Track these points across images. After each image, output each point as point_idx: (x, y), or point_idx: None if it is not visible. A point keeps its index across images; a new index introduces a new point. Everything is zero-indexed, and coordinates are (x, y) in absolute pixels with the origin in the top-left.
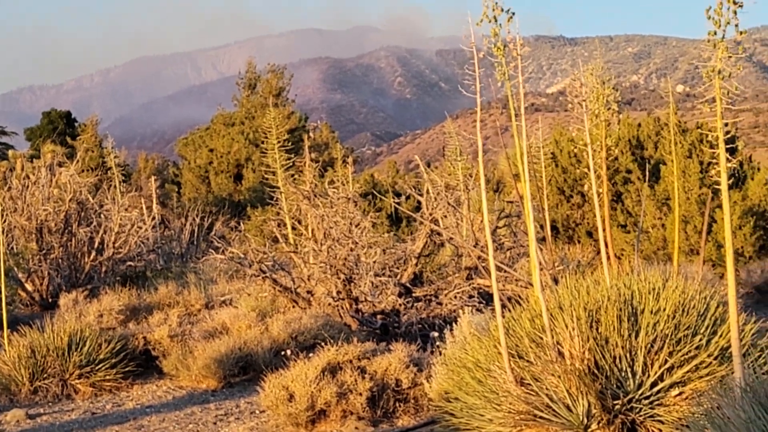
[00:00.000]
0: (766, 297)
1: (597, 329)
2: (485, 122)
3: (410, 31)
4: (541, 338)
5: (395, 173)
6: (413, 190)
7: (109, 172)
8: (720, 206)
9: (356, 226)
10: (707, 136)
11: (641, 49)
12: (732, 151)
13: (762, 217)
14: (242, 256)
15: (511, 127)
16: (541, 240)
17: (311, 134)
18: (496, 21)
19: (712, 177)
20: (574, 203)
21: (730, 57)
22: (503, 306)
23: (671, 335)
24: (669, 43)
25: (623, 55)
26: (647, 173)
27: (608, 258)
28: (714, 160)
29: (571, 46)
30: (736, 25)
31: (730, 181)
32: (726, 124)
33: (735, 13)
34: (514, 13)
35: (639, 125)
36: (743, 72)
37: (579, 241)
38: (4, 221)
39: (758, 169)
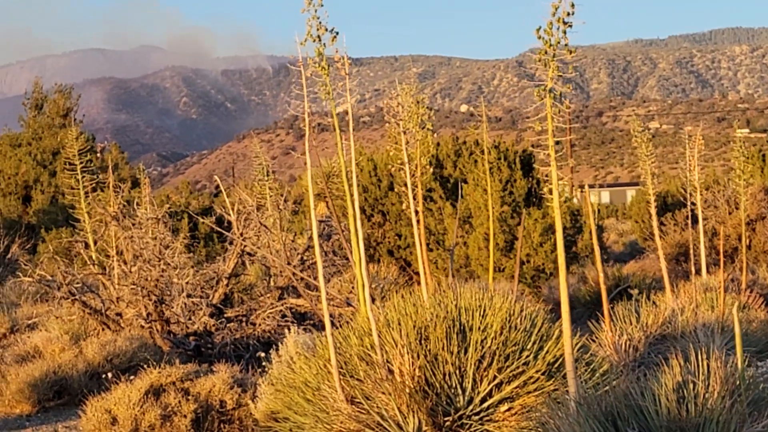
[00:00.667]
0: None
1: (426, 347)
2: (272, 142)
3: (195, 51)
4: (371, 356)
5: (189, 194)
6: (222, 210)
7: None
8: (519, 224)
9: (166, 248)
10: (504, 155)
11: (426, 70)
12: (528, 170)
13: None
14: (50, 278)
15: (298, 148)
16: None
17: (99, 155)
18: (320, 40)
19: (543, 193)
20: (374, 222)
21: (561, 75)
22: (321, 325)
23: (499, 351)
24: (453, 63)
25: (407, 76)
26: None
27: (425, 276)
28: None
29: (357, 65)
30: (566, 45)
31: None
32: (558, 143)
33: (565, 33)
34: (338, 33)
35: (438, 144)
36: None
37: (380, 260)
38: None
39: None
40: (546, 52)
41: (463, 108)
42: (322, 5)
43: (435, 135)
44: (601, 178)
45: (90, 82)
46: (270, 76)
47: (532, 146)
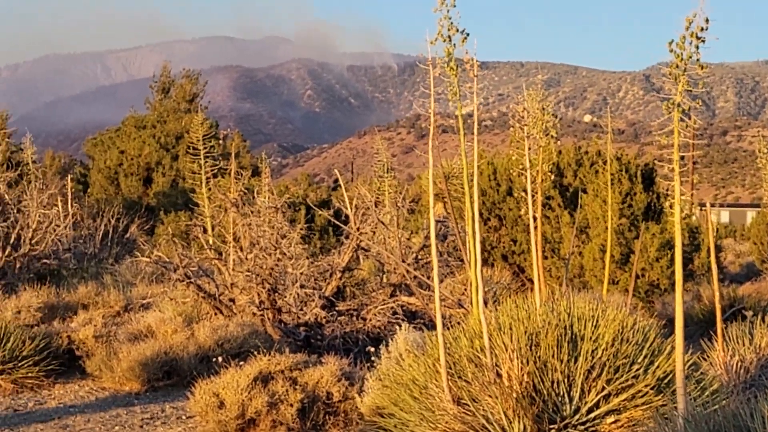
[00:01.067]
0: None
1: (536, 353)
2: (392, 140)
3: (321, 45)
4: (480, 359)
5: (307, 186)
6: (340, 203)
7: (22, 167)
8: (637, 237)
9: (283, 237)
10: (626, 167)
11: (551, 77)
12: (649, 184)
13: None
14: (167, 260)
15: (419, 147)
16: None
17: (222, 142)
18: (450, 40)
19: (667, 208)
20: (491, 226)
21: (690, 91)
22: (431, 325)
23: (610, 363)
24: (579, 72)
25: (533, 82)
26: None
27: (539, 282)
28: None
29: (483, 69)
30: (698, 60)
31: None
32: (682, 158)
33: (697, 48)
34: (468, 34)
35: (560, 153)
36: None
37: (494, 265)
38: None
39: (684, 203)
40: (677, 66)
41: (587, 118)
42: (454, 5)
43: (557, 143)
44: (722, 198)
45: (217, 69)
46: (395, 75)
47: (656, 160)
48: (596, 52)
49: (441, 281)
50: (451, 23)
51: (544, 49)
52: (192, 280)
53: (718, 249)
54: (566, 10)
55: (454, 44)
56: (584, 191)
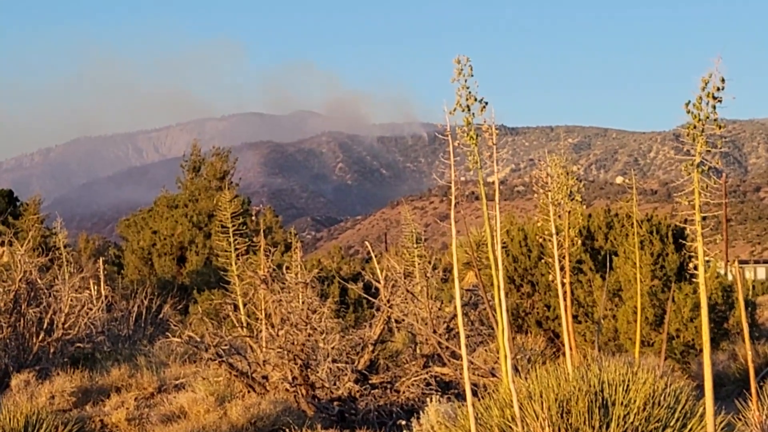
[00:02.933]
0: (718, 389)
1: (568, 420)
2: (425, 209)
3: (351, 116)
4: (512, 428)
5: (340, 259)
6: (371, 276)
7: (54, 252)
8: (670, 298)
9: (314, 312)
10: (657, 228)
11: (581, 140)
12: (682, 244)
13: (713, 310)
14: (198, 339)
15: (452, 209)
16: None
17: (254, 218)
18: (469, 110)
19: (690, 269)
20: (523, 292)
21: (709, 151)
22: (463, 394)
23: (642, 427)
24: (609, 134)
25: (563, 146)
26: (605, 264)
27: (570, 349)
28: (666, 252)
29: (512, 135)
30: (715, 120)
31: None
32: (704, 218)
33: (714, 108)
34: (487, 103)
35: (590, 216)
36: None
37: (528, 331)
38: None
39: (709, 263)
40: (694, 127)
41: (618, 180)
42: (472, 75)
43: (588, 207)
44: (758, 254)
45: (247, 145)
46: (425, 144)
47: (683, 222)
48: (625, 114)
49: (473, 350)
50: (469, 93)
51: (574, 112)
52: (224, 358)
53: (754, 306)
54: (594, 74)
55: (473, 113)
56: (615, 254)
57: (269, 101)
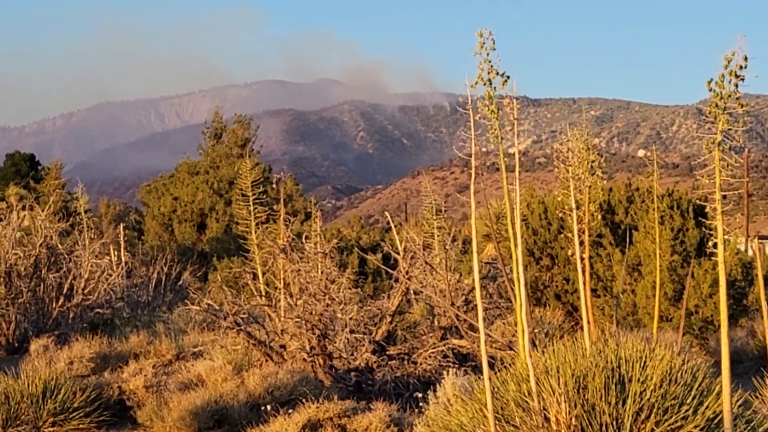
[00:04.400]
0: (735, 366)
1: (584, 396)
2: (446, 180)
3: (373, 85)
4: (528, 403)
5: (360, 228)
6: (390, 247)
7: (75, 217)
8: (690, 274)
9: (332, 282)
10: (677, 203)
11: (604, 113)
12: (702, 219)
13: (732, 286)
14: (217, 307)
15: (472, 183)
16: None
17: (275, 186)
18: (491, 83)
19: (709, 247)
20: (543, 265)
21: (730, 129)
22: (480, 367)
23: (658, 404)
24: (632, 107)
25: (586, 118)
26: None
27: (588, 323)
28: (686, 228)
29: (534, 107)
30: (738, 98)
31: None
32: (725, 197)
33: (736, 86)
34: (509, 77)
35: (611, 190)
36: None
37: (547, 304)
38: None
39: (728, 241)
40: (716, 105)
41: (640, 153)
42: (494, 49)
43: (609, 179)
44: None
45: (269, 113)
46: (447, 114)
47: (700, 200)
48: (648, 87)
49: (491, 323)
50: (491, 66)
51: (597, 85)
52: (242, 327)
53: None
54: (617, 46)
55: (495, 87)
56: (636, 228)
57: (290, 69)
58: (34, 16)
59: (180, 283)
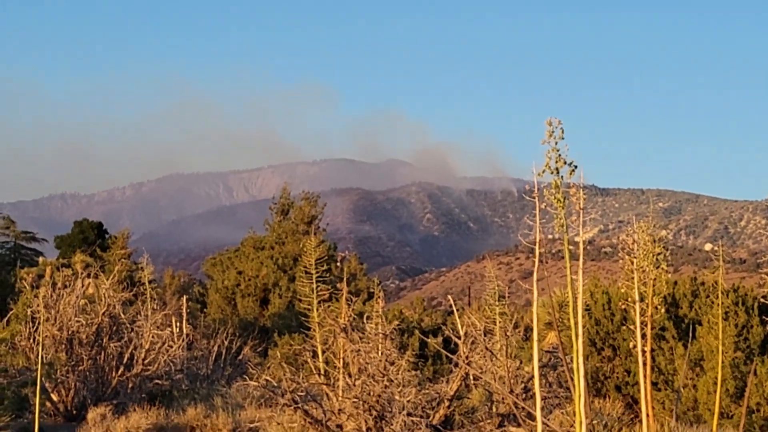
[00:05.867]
0: None
1: None
2: (511, 265)
3: (440, 168)
4: None
5: (422, 310)
6: (451, 331)
7: (139, 287)
8: (752, 371)
9: (392, 364)
10: (742, 299)
11: (672, 205)
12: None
13: None
14: (276, 384)
15: (535, 272)
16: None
17: (339, 264)
18: (558, 172)
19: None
20: (604, 356)
21: None
22: None
23: None
24: (700, 200)
25: (653, 210)
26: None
27: (648, 416)
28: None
29: (602, 196)
30: None
31: None
32: None
33: None
34: (576, 166)
35: (675, 283)
36: None
37: (607, 395)
38: (35, 330)
39: None
40: None
41: (708, 247)
42: (563, 138)
43: (675, 272)
44: None
45: (337, 191)
46: (515, 199)
47: (765, 297)
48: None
49: (549, 412)
50: (559, 155)
51: (666, 176)
52: (299, 405)
53: None
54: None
55: (562, 176)
56: (699, 323)
57: (359, 148)
58: (107, 86)
59: (240, 357)
